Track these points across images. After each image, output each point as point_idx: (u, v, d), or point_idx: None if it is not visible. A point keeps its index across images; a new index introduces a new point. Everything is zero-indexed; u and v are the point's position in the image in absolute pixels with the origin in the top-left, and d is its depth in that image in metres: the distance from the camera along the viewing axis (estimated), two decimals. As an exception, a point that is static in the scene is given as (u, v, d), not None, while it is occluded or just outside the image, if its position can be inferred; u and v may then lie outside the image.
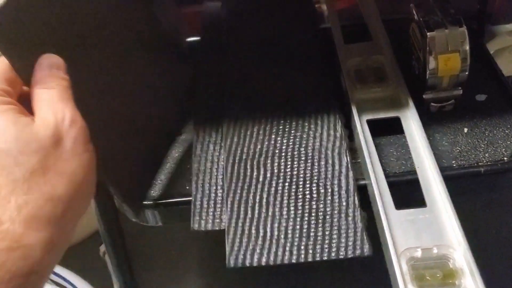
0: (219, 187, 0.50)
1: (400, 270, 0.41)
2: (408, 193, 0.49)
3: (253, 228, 0.47)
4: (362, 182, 0.49)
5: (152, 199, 0.51)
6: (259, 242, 0.46)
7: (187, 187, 0.51)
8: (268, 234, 0.46)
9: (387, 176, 0.48)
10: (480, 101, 0.56)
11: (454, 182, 0.48)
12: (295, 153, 0.52)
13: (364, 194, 0.48)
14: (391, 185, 0.47)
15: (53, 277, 0.74)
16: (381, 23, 0.61)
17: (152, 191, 0.52)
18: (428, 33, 0.51)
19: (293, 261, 0.45)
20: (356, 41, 0.61)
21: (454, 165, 0.50)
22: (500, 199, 0.52)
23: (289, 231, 0.46)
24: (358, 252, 0.44)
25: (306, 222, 0.47)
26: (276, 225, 0.47)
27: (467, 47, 0.51)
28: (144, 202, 0.51)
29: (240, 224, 0.47)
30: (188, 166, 0.53)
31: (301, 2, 0.70)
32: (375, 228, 0.45)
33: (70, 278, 0.75)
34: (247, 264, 0.45)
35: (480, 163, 0.50)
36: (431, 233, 0.43)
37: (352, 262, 0.44)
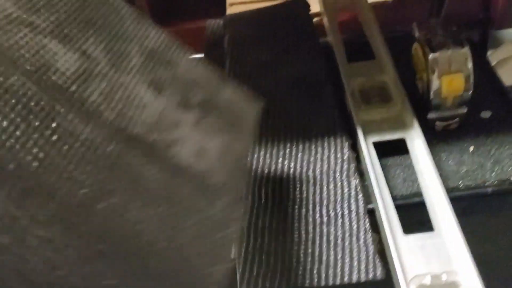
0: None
1: (410, 297, 0.41)
2: (415, 216, 0.49)
3: (264, 254, 0.47)
4: (370, 206, 0.49)
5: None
6: (271, 267, 0.46)
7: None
8: (280, 259, 0.46)
9: (394, 199, 0.48)
10: (485, 118, 0.56)
11: (461, 203, 0.48)
12: (303, 176, 0.52)
13: (371, 217, 0.48)
14: (398, 208, 0.47)
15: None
16: (384, 42, 0.61)
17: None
18: (430, 54, 0.51)
19: (306, 285, 0.44)
20: (358, 58, 0.61)
21: (461, 185, 0.50)
22: (509, 220, 0.51)
23: (301, 256, 0.46)
24: (371, 275, 0.44)
25: (317, 246, 0.47)
26: (287, 250, 0.47)
27: (470, 66, 0.51)
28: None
29: (250, 250, 0.47)
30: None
31: (302, 21, 0.70)
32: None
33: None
34: None
35: (487, 183, 0.50)
36: (439, 258, 0.43)
37: None
